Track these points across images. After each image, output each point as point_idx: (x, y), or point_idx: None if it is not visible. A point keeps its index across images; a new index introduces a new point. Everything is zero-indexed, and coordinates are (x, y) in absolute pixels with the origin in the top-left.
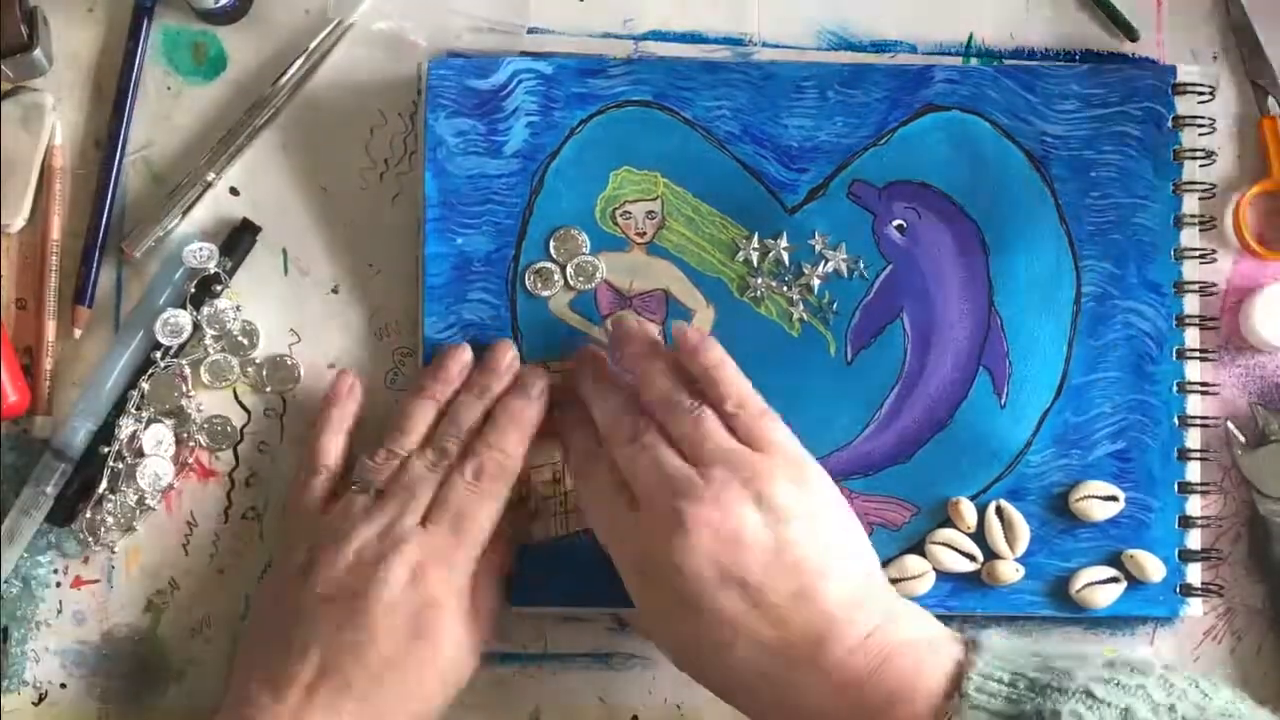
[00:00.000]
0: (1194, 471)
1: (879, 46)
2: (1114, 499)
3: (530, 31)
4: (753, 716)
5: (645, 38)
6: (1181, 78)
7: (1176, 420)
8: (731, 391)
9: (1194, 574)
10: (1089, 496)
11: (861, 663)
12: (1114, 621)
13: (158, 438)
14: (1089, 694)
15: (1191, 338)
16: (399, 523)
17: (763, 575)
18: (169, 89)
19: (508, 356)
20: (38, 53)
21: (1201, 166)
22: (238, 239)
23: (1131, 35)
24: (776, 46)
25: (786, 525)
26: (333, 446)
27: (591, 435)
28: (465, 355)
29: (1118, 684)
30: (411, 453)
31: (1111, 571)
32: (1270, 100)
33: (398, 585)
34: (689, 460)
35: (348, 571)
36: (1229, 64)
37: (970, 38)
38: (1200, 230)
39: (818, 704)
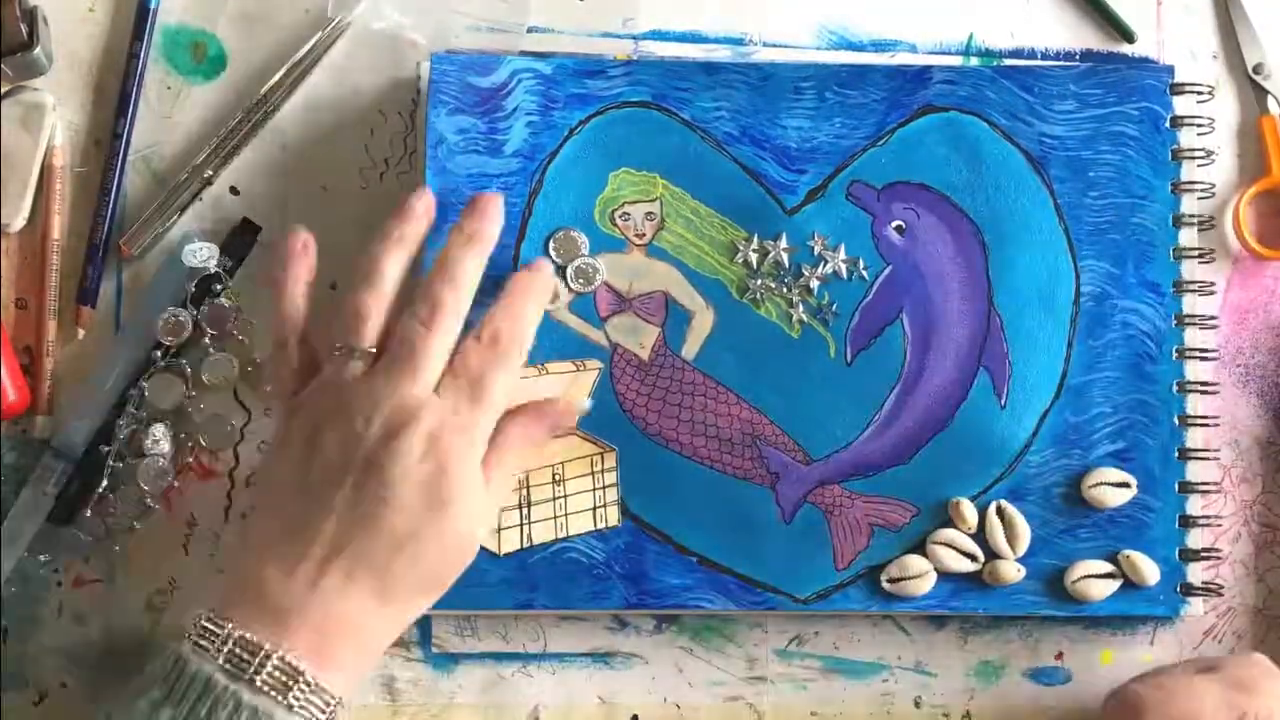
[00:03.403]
0: (1194, 471)
1: (879, 46)
2: (1126, 485)
3: (530, 31)
4: None
5: (645, 37)
6: (1180, 78)
7: (1176, 420)
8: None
9: (1194, 574)
10: (1102, 484)
11: None
12: (1114, 621)
13: (157, 438)
14: None
15: (1191, 337)
16: (407, 390)
17: None
18: (169, 89)
19: (494, 202)
20: (38, 52)
21: (1200, 166)
22: (238, 239)
23: (1129, 38)
24: (776, 46)
25: None
26: (293, 311)
27: None
28: (429, 197)
29: None
30: (403, 310)
31: (1110, 567)
32: (1270, 99)
33: (414, 456)
34: None
35: (358, 444)
36: (1228, 63)
37: (970, 38)
38: (1199, 230)
39: None
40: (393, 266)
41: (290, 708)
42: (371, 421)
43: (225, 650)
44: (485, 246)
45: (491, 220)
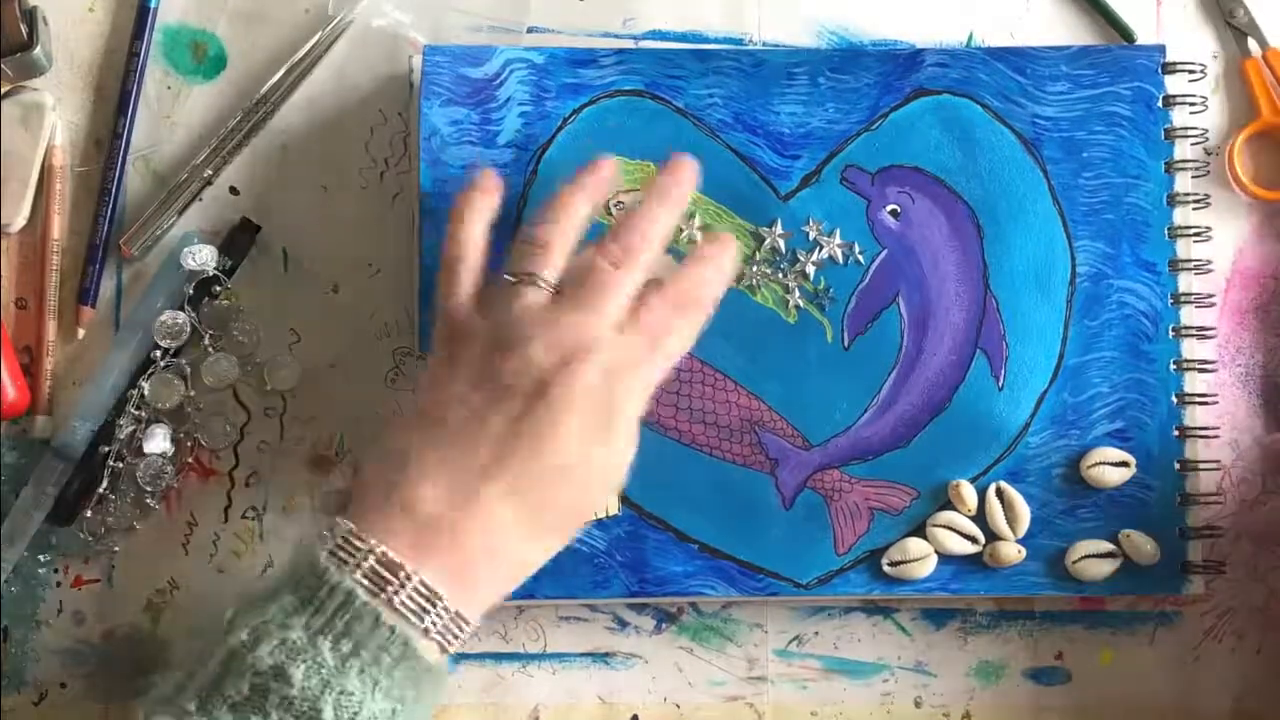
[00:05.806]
0: (1194, 449)
1: (879, 46)
2: (1125, 464)
3: (530, 30)
4: None
5: (645, 37)
6: (1171, 56)
7: (1175, 398)
8: None
9: (1195, 552)
10: (1101, 463)
11: None
12: (1114, 621)
13: (158, 438)
14: None
15: (1187, 316)
16: (589, 324)
17: None
18: (169, 89)
19: (691, 168)
20: (38, 52)
21: (1194, 145)
22: (237, 238)
23: (1129, 37)
24: (776, 46)
25: None
26: (477, 237)
27: None
28: (614, 163)
29: None
30: (588, 247)
31: (1110, 546)
32: (1249, 41)
33: (587, 387)
34: None
35: (532, 369)
36: (1227, 65)
37: (970, 37)
38: (1194, 209)
39: None
40: (580, 208)
41: (426, 632)
42: (550, 349)
43: (366, 566)
44: (678, 207)
45: (687, 184)
